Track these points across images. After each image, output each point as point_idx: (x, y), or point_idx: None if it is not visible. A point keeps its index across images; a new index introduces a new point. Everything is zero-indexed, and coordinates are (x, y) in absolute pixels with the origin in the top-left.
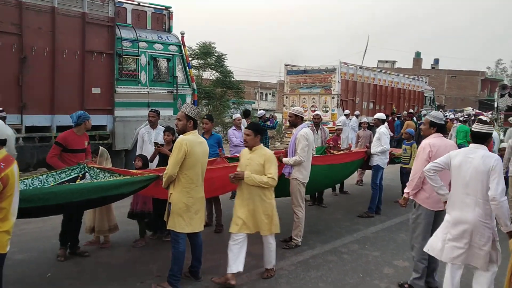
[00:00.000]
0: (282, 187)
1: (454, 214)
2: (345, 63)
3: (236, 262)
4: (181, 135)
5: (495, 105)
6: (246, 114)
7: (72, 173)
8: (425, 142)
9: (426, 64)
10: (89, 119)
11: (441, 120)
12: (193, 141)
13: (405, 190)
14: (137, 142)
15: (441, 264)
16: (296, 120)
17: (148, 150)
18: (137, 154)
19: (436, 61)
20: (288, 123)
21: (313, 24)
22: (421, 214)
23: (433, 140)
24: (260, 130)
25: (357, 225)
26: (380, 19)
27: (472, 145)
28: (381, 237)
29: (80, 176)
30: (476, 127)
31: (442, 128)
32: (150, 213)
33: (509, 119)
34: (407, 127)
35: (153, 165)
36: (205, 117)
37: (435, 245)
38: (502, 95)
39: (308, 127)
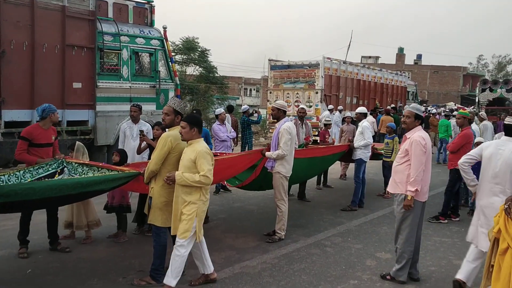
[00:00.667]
0: (266, 181)
1: (482, 202)
2: (328, 58)
3: (206, 263)
4: (166, 130)
5: (477, 100)
6: (229, 109)
7: (50, 169)
8: (417, 135)
9: (409, 60)
10: (55, 112)
11: (422, 112)
12: (177, 137)
13: (410, 188)
14: (119, 137)
15: (426, 256)
16: (278, 114)
17: (130, 145)
18: (118, 148)
19: (419, 56)
20: (271, 118)
21: (298, 20)
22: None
23: (422, 133)
24: (196, 123)
25: (340, 218)
26: (365, 15)
27: (503, 137)
28: (363, 230)
29: (59, 171)
30: (508, 120)
31: (424, 121)
32: (129, 207)
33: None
34: (382, 123)
35: (139, 157)
36: (194, 111)
37: (473, 233)
38: (483, 90)
39: (292, 121)
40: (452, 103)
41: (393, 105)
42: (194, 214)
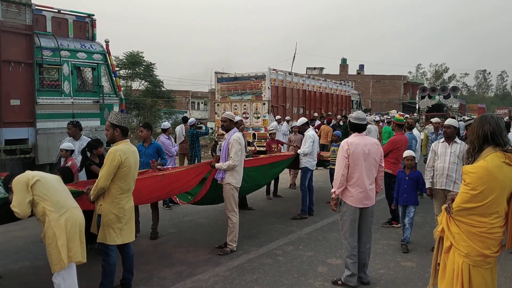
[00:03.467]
0: (218, 193)
1: None
2: (274, 70)
3: None
4: (113, 146)
5: (417, 107)
6: (184, 120)
7: None
8: (344, 141)
9: (352, 70)
10: None
11: (359, 120)
12: (126, 151)
13: (332, 190)
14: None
15: (375, 259)
16: (230, 125)
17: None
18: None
19: (361, 67)
20: (220, 130)
21: (244, 34)
22: (346, 211)
23: (351, 139)
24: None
25: (291, 227)
26: (308, 29)
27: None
28: (314, 237)
29: None
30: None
31: (361, 128)
32: None
33: (431, 120)
34: (321, 133)
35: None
36: (140, 125)
37: None
38: (423, 97)
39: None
40: (394, 110)
41: (341, 115)
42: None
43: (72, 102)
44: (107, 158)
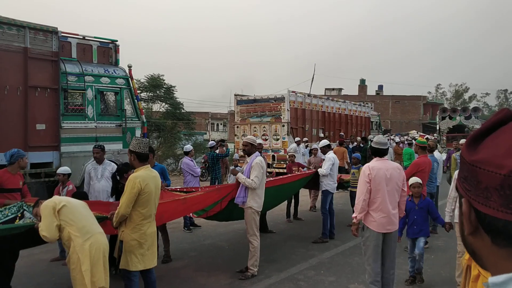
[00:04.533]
0: (234, 213)
1: None
2: (293, 92)
3: None
4: (134, 172)
5: (437, 128)
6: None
7: (9, 214)
8: (365, 166)
9: (371, 91)
10: (24, 157)
11: (380, 145)
12: (146, 177)
13: (353, 215)
14: (84, 178)
15: (399, 286)
16: (252, 149)
17: (94, 186)
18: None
19: (380, 87)
20: (241, 152)
21: (262, 54)
22: (369, 237)
23: (373, 163)
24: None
25: (312, 251)
26: (327, 49)
27: None
28: (336, 261)
29: (19, 215)
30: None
31: (383, 153)
32: None
33: (453, 143)
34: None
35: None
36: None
37: None
38: (443, 118)
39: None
40: (414, 131)
41: (362, 137)
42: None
43: (96, 126)
44: (127, 185)
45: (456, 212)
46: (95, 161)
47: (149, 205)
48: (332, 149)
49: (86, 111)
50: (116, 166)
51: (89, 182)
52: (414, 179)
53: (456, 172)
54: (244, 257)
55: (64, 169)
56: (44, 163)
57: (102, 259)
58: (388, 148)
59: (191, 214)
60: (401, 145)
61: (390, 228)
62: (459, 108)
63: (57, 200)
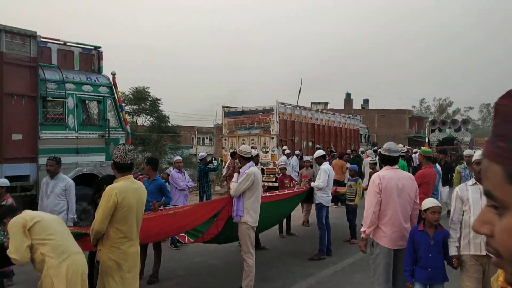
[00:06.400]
0: (233, 233)
1: None
2: (282, 103)
3: None
4: (113, 183)
5: (427, 140)
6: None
7: None
8: (375, 175)
9: (357, 105)
10: None
11: (391, 152)
12: (124, 189)
13: (361, 229)
14: (40, 193)
15: None
16: (245, 160)
17: (44, 205)
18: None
19: (366, 101)
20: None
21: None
22: (380, 254)
23: (383, 172)
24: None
25: (310, 269)
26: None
27: None
28: (336, 280)
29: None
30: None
31: (394, 161)
32: None
33: (464, 152)
34: (334, 167)
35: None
36: (145, 160)
37: None
38: (433, 130)
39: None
40: (401, 145)
41: (352, 149)
42: None
43: (77, 137)
44: (102, 198)
45: (463, 242)
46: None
47: (129, 221)
48: (327, 160)
49: (66, 121)
50: (71, 183)
51: (42, 198)
52: (432, 202)
53: (458, 189)
54: (237, 276)
55: (2, 182)
56: (20, 176)
57: (81, 283)
58: (399, 156)
59: (186, 239)
60: None
61: (402, 244)
62: (448, 121)
63: (28, 216)
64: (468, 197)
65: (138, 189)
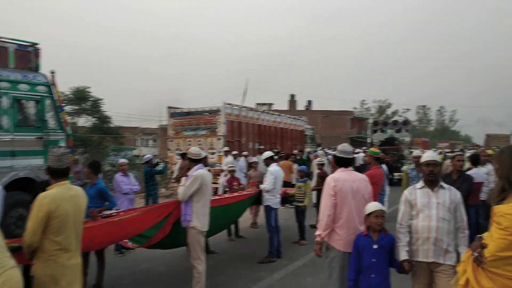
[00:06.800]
0: (180, 238)
1: None
2: (229, 104)
3: None
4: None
5: (369, 141)
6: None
7: None
8: (330, 177)
9: (301, 106)
10: None
11: (346, 154)
12: (58, 197)
13: (316, 233)
14: None
15: None
16: (193, 163)
17: None
18: None
19: (309, 102)
20: (174, 167)
21: (193, 69)
22: (335, 257)
23: (338, 174)
24: None
25: (260, 272)
26: (258, 65)
27: None
28: (287, 283)
29: None
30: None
31: (348, 163)
32: None
33: (412, 153)
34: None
35: None
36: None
37: None
38: (375, 131)
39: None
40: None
41: (298, 150)
42: None
43: (12, 139)
44: (33, 208)
45: (412, 248)
46: None
47: (65, 232)
48: (275, 162)
49: (0, 122)
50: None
51: None
52: (375, 205)
53: (407, 192)
54: (186, 283)
55: None
56: None
57: None
58: (354, 158)
59: (130, 244)
60: None
61: None
62: (390, 121)
63: None
64: (417, 202)
65: (75, 196)
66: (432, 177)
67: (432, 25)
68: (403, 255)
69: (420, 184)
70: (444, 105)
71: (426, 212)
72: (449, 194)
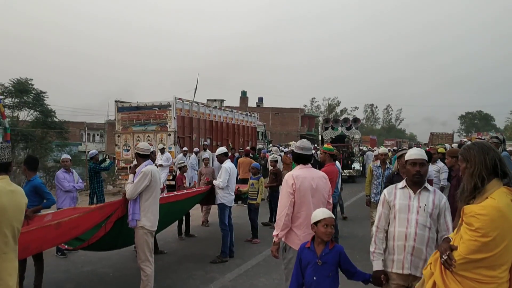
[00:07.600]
0: (122, 237)
1: None
2: (180, 99)
3: None
4: None
5: (320, 138)
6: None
7: None
8: (288, 174)
9: (252, 103)
10: None
11: (305, 150)
12: None
13: (274, 233)
14: None
15: None
16: (141, 159)
17: None
18: None
19: (261, 99)
20: (121, 163)
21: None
22: (293, 258)
23: (297, 172)
24: None
25: (212, 273)
26: (210, 60)
27: None
28: (240, 284)
29: None
30: None
31: (307, 159)
32: None
33: (378, 150)
34: (240, 166)
35: None
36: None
37: None
38: (326, 128)
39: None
40: (293, 142)
41: (251, 146)
42: None
43: None
44: None
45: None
46: None
47: (0, 228)
48: (229, 158)
49: None
50: None
51: None
52: (324, 213)
53: (386, 192)
54: (132, 286)
55: None
56: None
57: None
58: (312, 154)
59: (65, 246)
60: (289, 155)
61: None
62: (341, 119)
63: None
64: (395, 203)
65: (15, 192)
66: (419, 178)
67: (381, 25)
68: (377, 264)
69: (402, 183)
70: (390, 104)
71: (403, 216)
72: (433, 198)
